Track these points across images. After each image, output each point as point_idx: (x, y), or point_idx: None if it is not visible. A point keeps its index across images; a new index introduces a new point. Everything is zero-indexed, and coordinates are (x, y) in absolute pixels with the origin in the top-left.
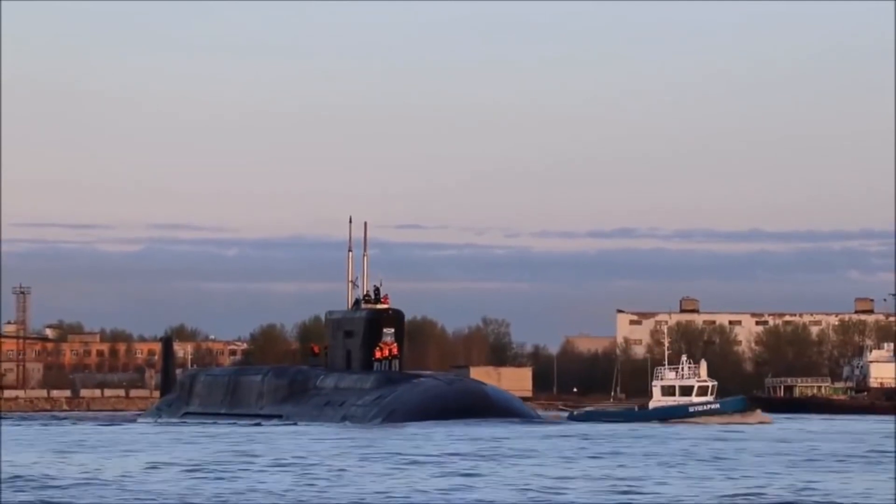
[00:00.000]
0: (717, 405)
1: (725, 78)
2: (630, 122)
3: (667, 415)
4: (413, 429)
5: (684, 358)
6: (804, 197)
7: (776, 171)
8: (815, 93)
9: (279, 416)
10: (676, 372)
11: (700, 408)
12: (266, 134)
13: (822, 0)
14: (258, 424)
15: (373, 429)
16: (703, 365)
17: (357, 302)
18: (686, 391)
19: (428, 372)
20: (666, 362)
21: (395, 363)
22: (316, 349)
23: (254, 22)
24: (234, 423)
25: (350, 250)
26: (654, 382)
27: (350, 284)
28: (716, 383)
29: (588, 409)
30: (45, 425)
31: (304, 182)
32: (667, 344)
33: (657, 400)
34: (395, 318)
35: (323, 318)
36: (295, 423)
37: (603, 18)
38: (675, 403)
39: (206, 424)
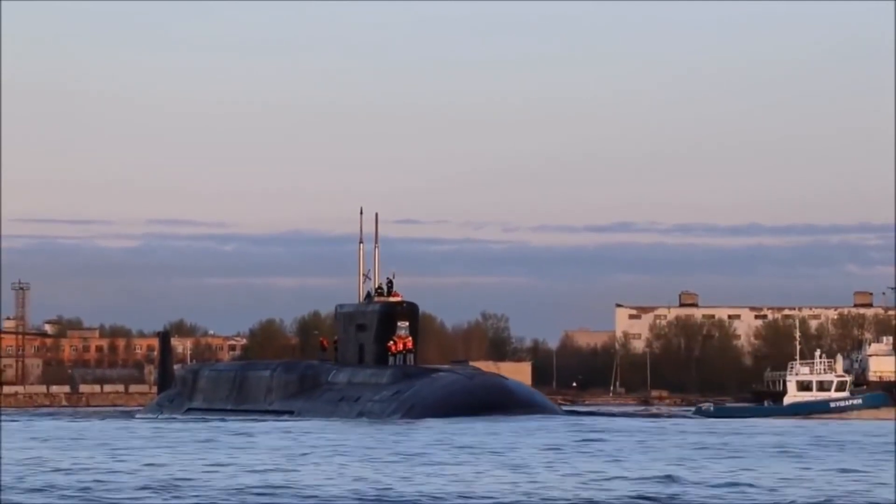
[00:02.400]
0: (859, 400)
1: (724, 74)
2: (628, 117)
3: (805, 410)
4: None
5: (818, 353)
6: (802, 191)
7: (774, 165)
8: (812, 88)
9: (290, 412)
10: (811, 367)
11: (841, 403)
12: (263, 130)
13: (822, 0)
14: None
15: (404, 424)
16: (839, 360)
17: (369, 295)
18: (824, 386)
19: (446, 366)
20: (797, 357)
21: (410, 357)
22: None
23: (250, 20)
24: (259, 419)
25: (361, 242)
26: (787, 378)
27: (362, 277)
28: (852, 378)
29: (710, 404)
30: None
31: (301, 178)
32: (798, 338)
33: (793, 395)
34: (409, 311)
35: (322, 312)
36: (308, 419)
37: (601, 16)
38: (813, 399)
39: (235, 420)
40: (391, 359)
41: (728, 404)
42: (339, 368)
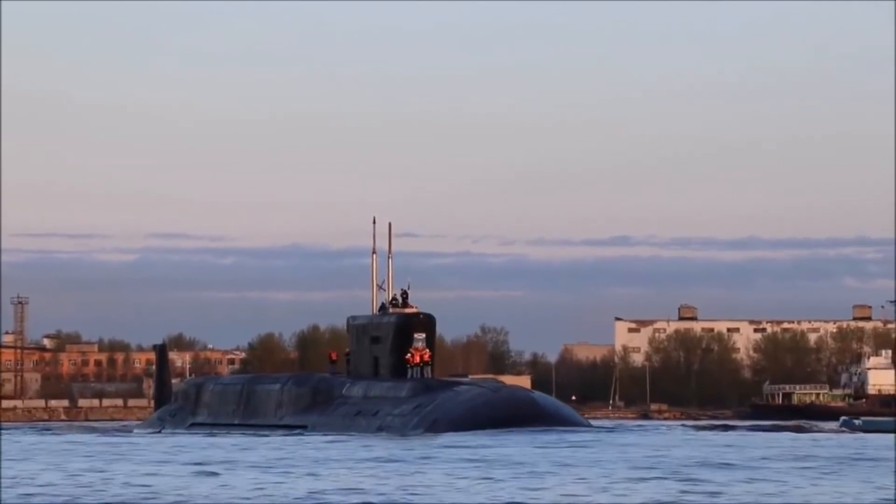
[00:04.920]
0: None
1: (720, 85)
2: (625, 130)
3: None
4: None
5: None
6: (799, 205)
7: (771, 179)
8: (810, 99)
9: (303, 427)
10: None
11: None
12: (262, 142)
13: (818, 0)
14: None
15: (420, 439)
16: None
17: (383, 306)
18: None
19: (467, 378)
20: None
21: (427, 370)
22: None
23: (250, 29)
24: (273, 434)
25: (374, 252)
26: None
27: (376, 288)
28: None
29: (853, 418)
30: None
31: (299, 191)
32: None
33: None
34: (426, 322)
35: (321, 326)
36: (321, 434)
37: (600, 24)
38: None
39: (249, 435)
40: (409, 371)
41: (867, 419)
42: (354, 382)
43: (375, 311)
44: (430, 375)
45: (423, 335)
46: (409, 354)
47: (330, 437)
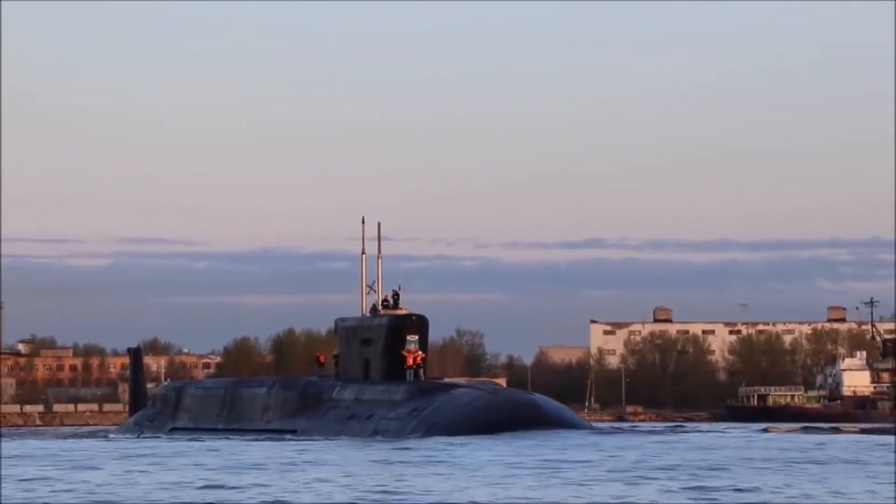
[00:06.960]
0: None
1: (693, 90)
2: (598, 133)
3: None
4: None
5: None
6: (772, 205)
7: (744, 181)
8: (781, 104)
9: (292, 432)
10: None
11: None
12: (234, 147)
13: (803, 1)
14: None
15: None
16: None
17: (373, 308)
18: None
19: (463, 381)
20: None
21: (421, 373)
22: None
23: (221, 34)
24: (261, 439)
25: (363, 252)
26: None
27: (367, 289)
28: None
29: None
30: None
31: (272, 196)
32: None
33: None
34: (418, 323)
35: (296, 330)
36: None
37: (571, 30)
38: None
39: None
40: (407, 374)
41: None
42: (344, 385)
43: (365, 312)
44: (423, 378)
45: (416, 337)
46: (404, 357)
47: (332, 442)
